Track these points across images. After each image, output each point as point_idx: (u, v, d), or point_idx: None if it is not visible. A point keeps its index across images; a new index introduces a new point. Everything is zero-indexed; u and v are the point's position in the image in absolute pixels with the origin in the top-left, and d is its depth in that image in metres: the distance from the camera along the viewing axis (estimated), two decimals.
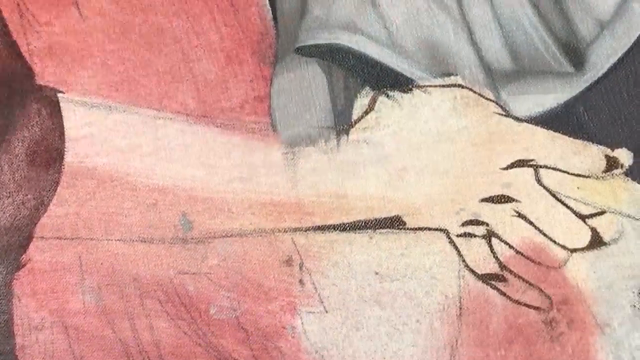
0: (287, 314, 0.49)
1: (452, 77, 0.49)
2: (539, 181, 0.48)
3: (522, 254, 0.48)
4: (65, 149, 0.51)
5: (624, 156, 0.48)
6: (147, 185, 0.50)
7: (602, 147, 0.48)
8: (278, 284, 0.50)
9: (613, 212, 0.48)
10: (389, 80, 0.49)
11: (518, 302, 0.48)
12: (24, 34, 0.51)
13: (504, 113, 0.48)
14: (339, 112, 0.50)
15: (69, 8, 0.51)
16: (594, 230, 0.48)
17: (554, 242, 0.48)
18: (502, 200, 0.48)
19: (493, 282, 0.48)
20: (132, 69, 0.51)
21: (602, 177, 0.48)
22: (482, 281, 0.48)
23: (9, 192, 0.51)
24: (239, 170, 0.50)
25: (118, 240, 0.50)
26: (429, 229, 0.49)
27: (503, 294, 0.48)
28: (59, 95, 0.51)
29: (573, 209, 0.48)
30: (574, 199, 0.48)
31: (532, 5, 0.48)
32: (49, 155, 0.51)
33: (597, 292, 0.48)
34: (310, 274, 0.49)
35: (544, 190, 0.48)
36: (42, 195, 0.51)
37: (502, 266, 0.48)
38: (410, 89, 0.49)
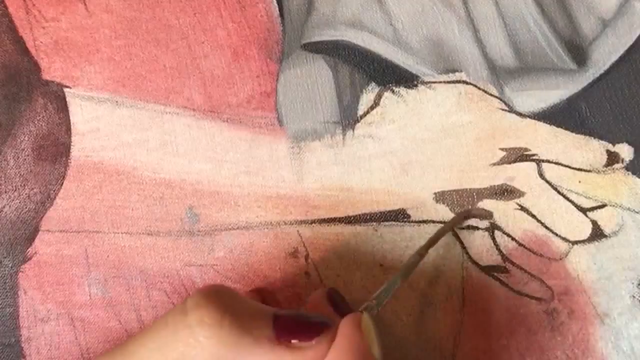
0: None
1: (456, 74, 0.49)
2: (541, 175, 0.49)
3: (524, 246, 0.49)
4: (72, 143, 0.51)
5: (625, 151, 0.48)
6: (154, 179, 0.51)
7: (603, 142, 0.48)
8: (284, 275, 0.50)
9: (614, 206, 0.48)
10: (394, 77, 0.50)
11: (520, 293, 0.49)
12: (31, 30, 0.51)
13: (507, 109, 0.49)
14: (345, 108, 0.50)
15: (75, 4, 0.51)
16: (594, 223, 0.48)
17: (556, 234, 0.48)
18: (505, 194, 0.49)
19: (495, 274, 0.49)
20: (139, 65, 0.51)
21: (603, 172, 0.48)
22: (485, 273, 0.49)
23: (15, 186, 0.51)
24: (246, 164, 0.50)
25: (124, 233, 0.51)
26: (433, 221, 0.49)
27: (505, 285, 0.49)
28: (66, 90, 0.51)
29: (574, 202, 0.48)
30: (576, 193, 0.48)
31: (535, 4, 0.48)
32: (56, 150, 0.51)
33: (598, 283, 0.48)
34: (315, 266, 0.50)
35: (546, 184, 0.48)
36: (48, 189, 0.51)
37: (505, 258, 0.49)
38: (416, 85, 0.49)
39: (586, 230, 0.48)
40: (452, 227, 0.48)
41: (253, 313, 0.41)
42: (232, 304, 0.41)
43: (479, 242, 0.49)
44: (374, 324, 0.40)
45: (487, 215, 0.49)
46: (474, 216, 0.49)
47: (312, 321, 0.41)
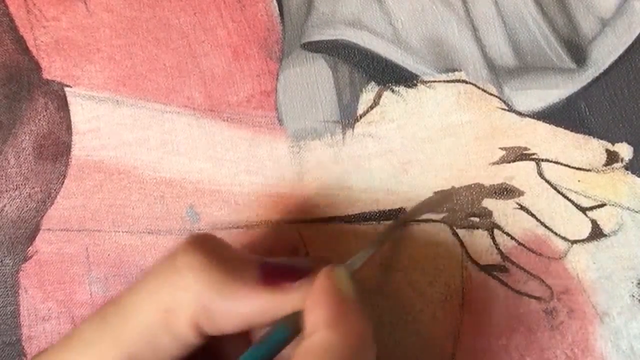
0: None
1: (456, 73, 0.49)
2: (540, 174, 0.48)
3: (523, 246, 0.48)
4: (72, 143, 0.51)
5: (624, 150, 0.48)
6: (154, 178, 0.51)
7: (602, 142, 0.48)
8: None
9: (613, 205, 0.48)
10: (394, 76, 0.50)
11: (519, 292, 0.49)
12: (31, 29, 0.51)
13: (506, 108, 0.49)
14: (345, 107, 0.50)
15: (75, 3, 0.51)
16: (594, 222, 0.48)
17: (555, 233, 0.48)
18: (505, 193, 0.49)
19: (495, 273, 0.49)
20: (139, 64, 0.51)
21: (603, 171, 0.48)
22: (485, 272, 0.49)
23: (16, 185, 0.51)
24: (246, 163, 0.50)
25: (125, 232, 0.51)
26: (433, 220, 0.49)
27: (505, 284, 0.49)
28: (66, 89, 0.51)
29: (574, 202, 0.48)
30: (575, 192, 0.48)
31: (535, 3, 0.48)
32: (56, 149, 0.51)
33: (597, 282, 0.48)
34: None
35: (545, 183, 0.48)
36: (49, 188, 0.51)
37: (504, 257, 0.49)
38: (415, 84, 0.49)
39: (586, 230, 0.48)
40: (434, 206, 0.49)
41: (241, 259, 0.42)
42: (220, 250, 0.42)
43: (478, 241, 0.49)
44: (347, 274, 0.41)
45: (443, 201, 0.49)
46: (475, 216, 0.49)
47: (297, 267, 0.42)
